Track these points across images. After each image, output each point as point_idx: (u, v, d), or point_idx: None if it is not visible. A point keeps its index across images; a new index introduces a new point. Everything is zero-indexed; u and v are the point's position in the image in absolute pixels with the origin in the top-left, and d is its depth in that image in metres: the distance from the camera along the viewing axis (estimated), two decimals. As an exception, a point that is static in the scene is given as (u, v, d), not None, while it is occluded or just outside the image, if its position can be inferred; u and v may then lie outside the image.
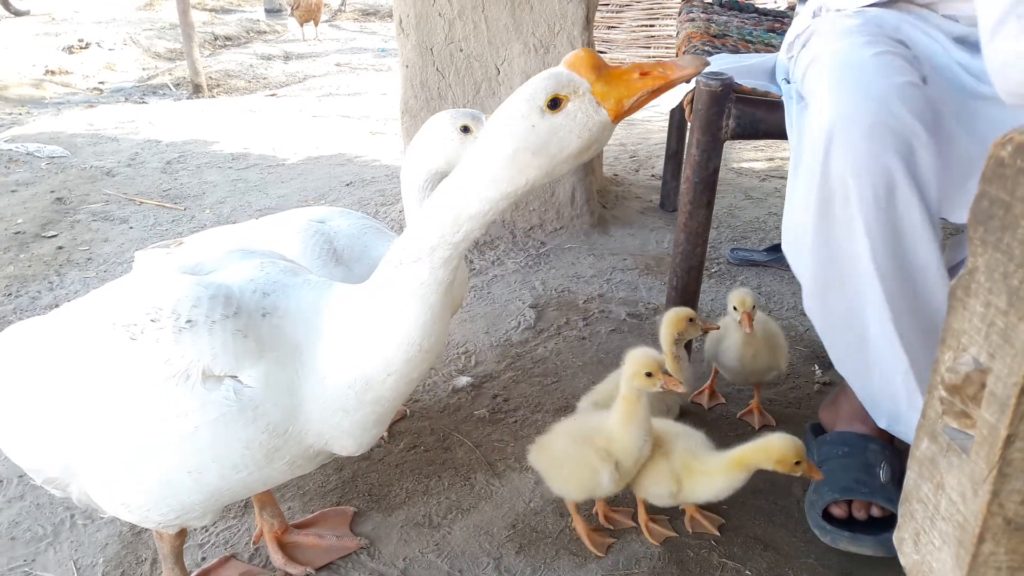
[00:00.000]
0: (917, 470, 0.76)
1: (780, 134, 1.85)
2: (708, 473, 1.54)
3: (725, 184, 3.77)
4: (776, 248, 2.96)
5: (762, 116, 1.78)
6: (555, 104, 0.97)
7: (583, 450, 1.54)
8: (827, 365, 2.32)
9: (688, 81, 1.10)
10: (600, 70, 0.98)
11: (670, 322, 1.79)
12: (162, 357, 1.15)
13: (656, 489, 1.58)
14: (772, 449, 1.47)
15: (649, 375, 1.49)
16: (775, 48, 2.42)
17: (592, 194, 3.19)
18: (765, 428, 2.05)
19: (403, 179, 1.74)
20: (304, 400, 1.20)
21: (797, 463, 1.46)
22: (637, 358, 1.51)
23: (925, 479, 0.74)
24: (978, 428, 0.67)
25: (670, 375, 1.50)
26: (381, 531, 1.69)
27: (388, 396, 1.23)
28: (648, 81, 0.97)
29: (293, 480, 1.85)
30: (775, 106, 1.80)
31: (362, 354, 1.18)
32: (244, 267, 1.30)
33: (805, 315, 2.58)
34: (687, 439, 1.60)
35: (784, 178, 3.90)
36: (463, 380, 2.23)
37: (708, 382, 2.15)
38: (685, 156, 1.87)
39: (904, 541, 0.77)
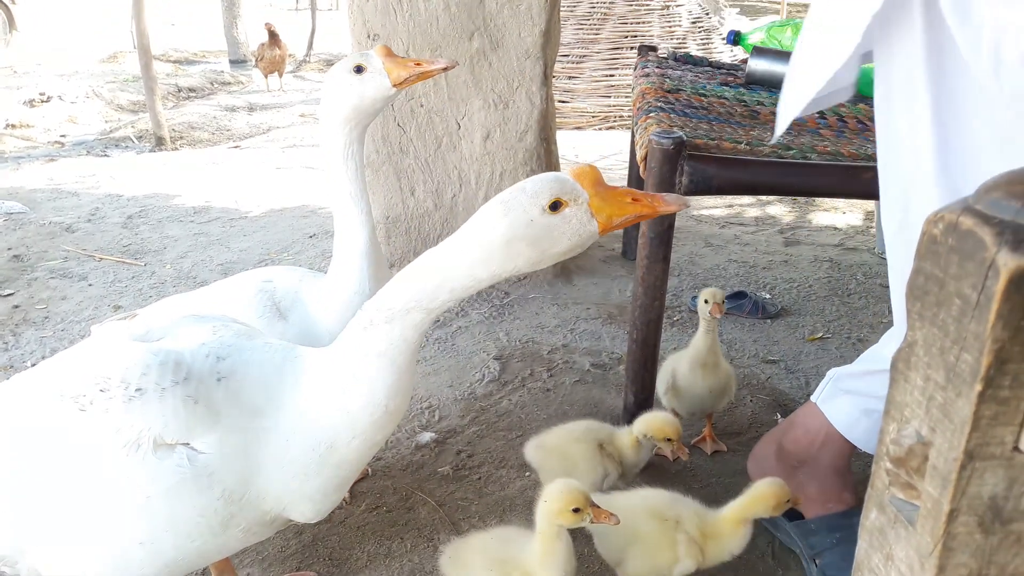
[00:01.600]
0: (868, 540, 0.76)
1: (732, 189, 1.90)
2: (721, 535, 1.50)
3: (685, 232, 3.83)
4: (737, 295, 3.00)
5: (714, 172, 1.82)
6: (555, 206, 1.06)
7: None
8: (787, 413, 2.34)
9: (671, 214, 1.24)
10: (599, 186, 1.08)
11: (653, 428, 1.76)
12: (112, 427, 1.14)
13: (681, 567, 1.47)
14: (768, 497, 1.49)
15: (577, 510, 1.34)
16: (728, 101, 2.49)
17: (555, 244, 3.21)
18: (717, 454, 2.15)
19: (327, 153, 1.70)
20: (263, 464, 1.19)
21: (787, 501, 1.51)
22: (561, 494, 1.34)
23: (875, 549, 0.75)
24: (923, 500, 0.68)
25: (598, 507, 1.36)
26: (343, 598, 1.66)
27: (352, 459, 1.24)
28: (637, 207, 1.08)
29: (251, 546, 1.81)
30: (727, 162, 1.84)
31: (327, 416, 1.19)
32: (196, 332, 1.29)
33: (767, 363, 2.63)
34: (684, 503, 1.54)
35: (743, 224, 3.98)
36: (426, 436, 2.21)
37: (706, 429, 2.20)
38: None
39: (858, 612, 0.77)
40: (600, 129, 6.94)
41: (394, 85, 1.63)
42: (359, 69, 1.62)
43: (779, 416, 2.34)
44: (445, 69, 1.67)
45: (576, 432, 1.80)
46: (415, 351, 1.18)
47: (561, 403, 2.40)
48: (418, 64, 1.65)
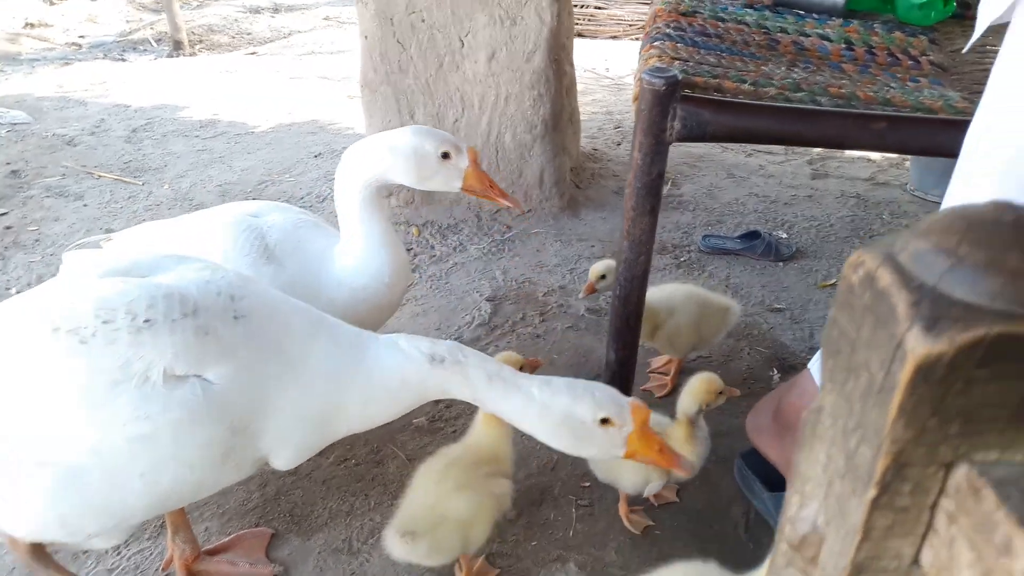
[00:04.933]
0: (767, 614, 0.67)
1: (728, 137, 1.73)
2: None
3: (708, 160, 3.62)
4: (750, 235, 2.83)
5: (709, 117, 1.65)
6: (605, 421, 1.28)
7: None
8: (785, 369, 2.22)
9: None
10: (644, 427, 1.30)
11: (695, 391, 1.66)
12: (118, 360, 1.14)
13: (651, 487, 1.65)
14: (699, 389, 1.64)
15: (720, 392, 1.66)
16: (748, 27, 2.26)
17: (563, 175, 3.05)
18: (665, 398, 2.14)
19: (349, 175, 1.66)
20: (274, 405, 1.25)
21: (720, 393, 1.66)
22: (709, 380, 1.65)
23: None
24: (815, 598, 0.58)
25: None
26: (298, 556, 1.63)
27: (344, 431, 1.35)
28: (659, 459, 1.32)
29: (213, 498, 1.78)
30: (724, 107, 1.67)
31: (347, 391, 1.30)
32: (186, 270, 1.31)
33: (771, 311, 2.49)
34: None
35: (771, 153, 3.75)
36: (405, 382, 2.15)
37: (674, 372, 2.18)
38: (630, 159, 1.75)
39: None
40: (637, 39, 6.57)
41: (462, 189, 1.67)
42: (446, 155, 1.63)
43: (775, 372, 2.22)
44: (509, 207, 1.75)
45: None
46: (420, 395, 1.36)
47: (550, 351, 2.31)
48: (492, 187, 1.70)
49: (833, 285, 2.64)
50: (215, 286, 1.27)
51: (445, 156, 1.63)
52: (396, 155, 1.62)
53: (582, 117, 3.94)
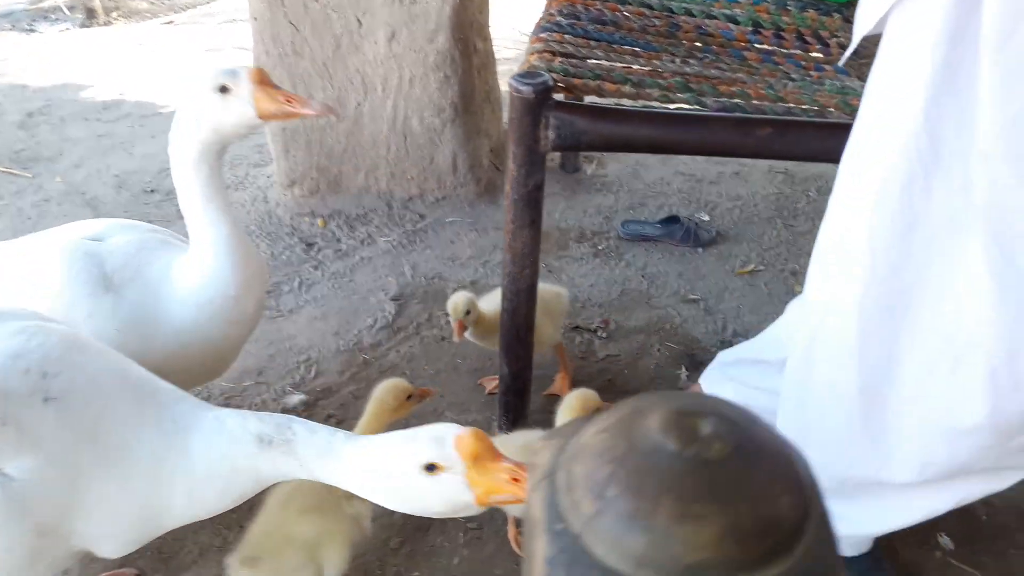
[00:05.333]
0: None
1: (606, 146, 1.63)
2: None
3: (635, 133, 3.49)
4: (670, 220, 2.74)
5: (585, 127, 1.53)
6: (432, 468, 1.04)
7: None
8: (695, 365, 2.15)
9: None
10: (479, 459, 1.03)
11: (572, 410, 1.55)
12: None
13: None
14: (575, 407, 1.53)
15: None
16: (651, 8, 2.12)
17: (478, 159, 2.92)
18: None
19: (177, 163, 1.51)
20: (86, 499, 1.11)
21: (598, 410, 1.47)
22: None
23: None
24: None
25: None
26: (160, 603, 1.54)
27: (167, 526, 1.22)
28: (514, 489, 1.03)
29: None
30: (600, 114, 1.55)
31: (176, 492, 1.16)
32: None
33: (686, 303, 2.41)
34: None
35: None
36: (295, 398, 2.05)
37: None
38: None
39: None
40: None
41: (260, 117, 1.45)
42: (224, 89, 1.42)
43: (683, 371, 2.15)
44: (318, 116, 1.49)
45: (514, 444, 1.55)
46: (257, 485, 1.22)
47: (453, 356, 2.21)
48: (289, 101, 1.46)
49: (751, 272, 2.57)
50: (24, 362, 1.11)
51: (224, 90, 1.43)
52: (189, 115, 1.45)
53: (509, 88, 3.79)
